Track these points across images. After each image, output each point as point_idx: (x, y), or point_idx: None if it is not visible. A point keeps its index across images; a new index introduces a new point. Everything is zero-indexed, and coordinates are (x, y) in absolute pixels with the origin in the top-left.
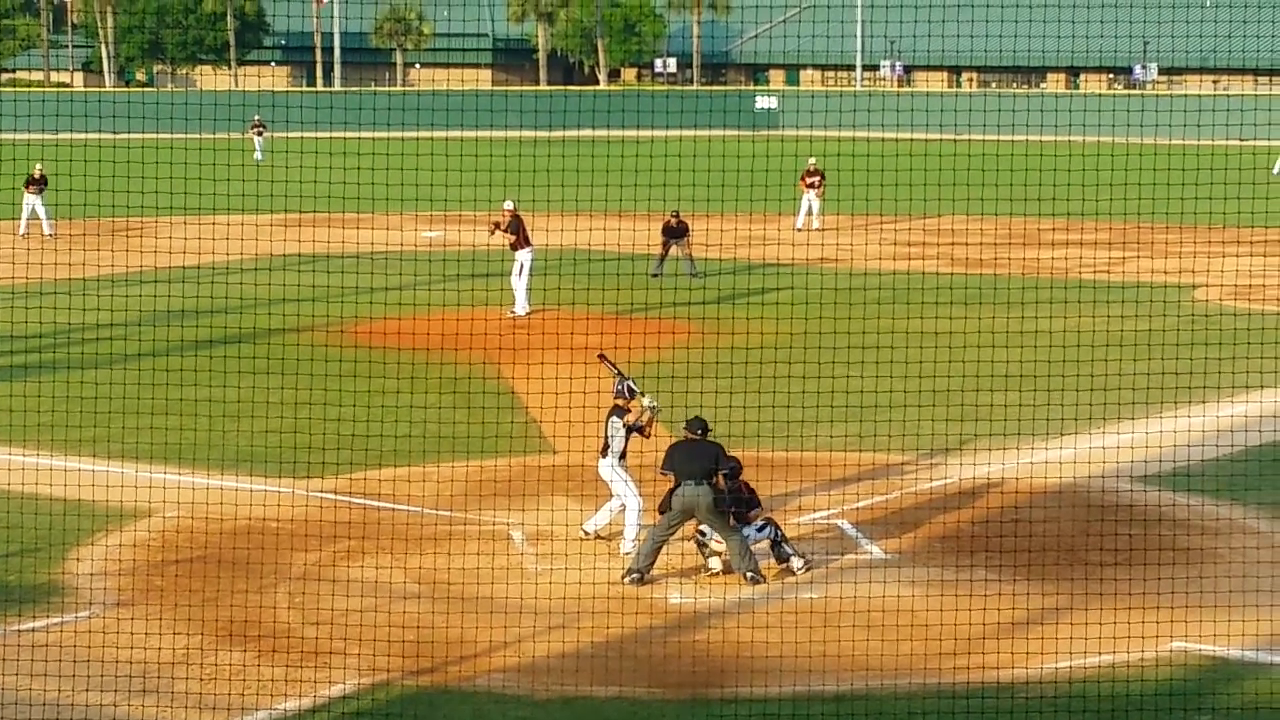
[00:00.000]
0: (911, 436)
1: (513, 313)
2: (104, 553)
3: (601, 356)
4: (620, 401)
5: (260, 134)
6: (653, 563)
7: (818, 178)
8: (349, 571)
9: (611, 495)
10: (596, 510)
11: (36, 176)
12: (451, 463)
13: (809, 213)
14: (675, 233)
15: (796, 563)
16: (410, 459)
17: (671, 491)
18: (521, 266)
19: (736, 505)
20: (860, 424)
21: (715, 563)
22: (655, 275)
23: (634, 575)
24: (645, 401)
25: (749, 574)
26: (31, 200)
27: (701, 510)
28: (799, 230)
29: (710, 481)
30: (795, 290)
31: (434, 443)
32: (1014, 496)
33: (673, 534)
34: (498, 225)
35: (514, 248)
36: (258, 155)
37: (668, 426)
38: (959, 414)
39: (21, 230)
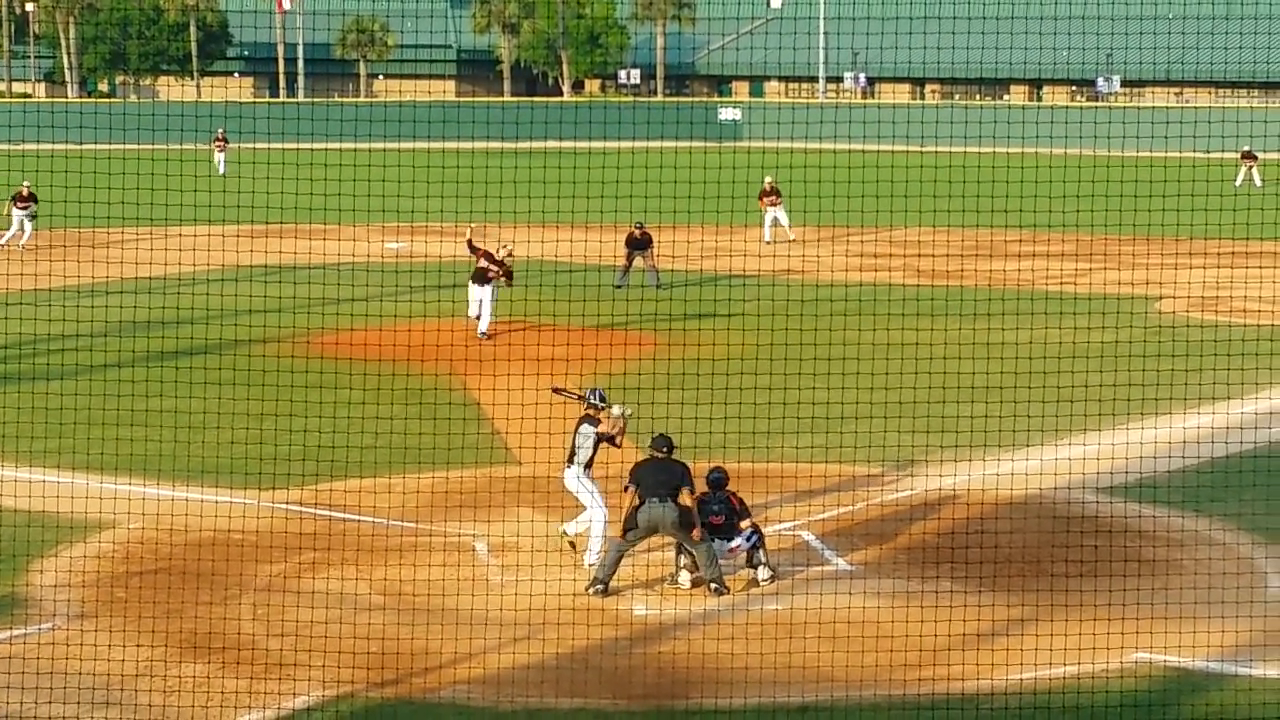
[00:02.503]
0: (876, 448)
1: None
2: (66, 564)
3: (556, 390)
4: (591, 411)
5: (222, 148)
6: (614, 573)
7: (774, 195)
8: (313, 583)
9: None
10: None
11: (24, 194)
12: (416, 474)
13: (775, 224)
14: (639, 244)
15: (762, 573)
16: (374, 470)
17: (636, 509)
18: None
19: (727, 515)
20: (825, 435)
21: (685, 578)
22: (619, 287)
23: (598, 586)
24: (616, 410)
25: (714, 585)
26: (19, 215)
27: (667, 526)
28: (767, 243)
29: (675, 499)
30: (760, 302)
31: (398, 454)
32: (978, 508)
33: (634, 546)
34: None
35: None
36: (221, 170)
37: (633, 439)
38: (924, 425)
39: (2, 240)
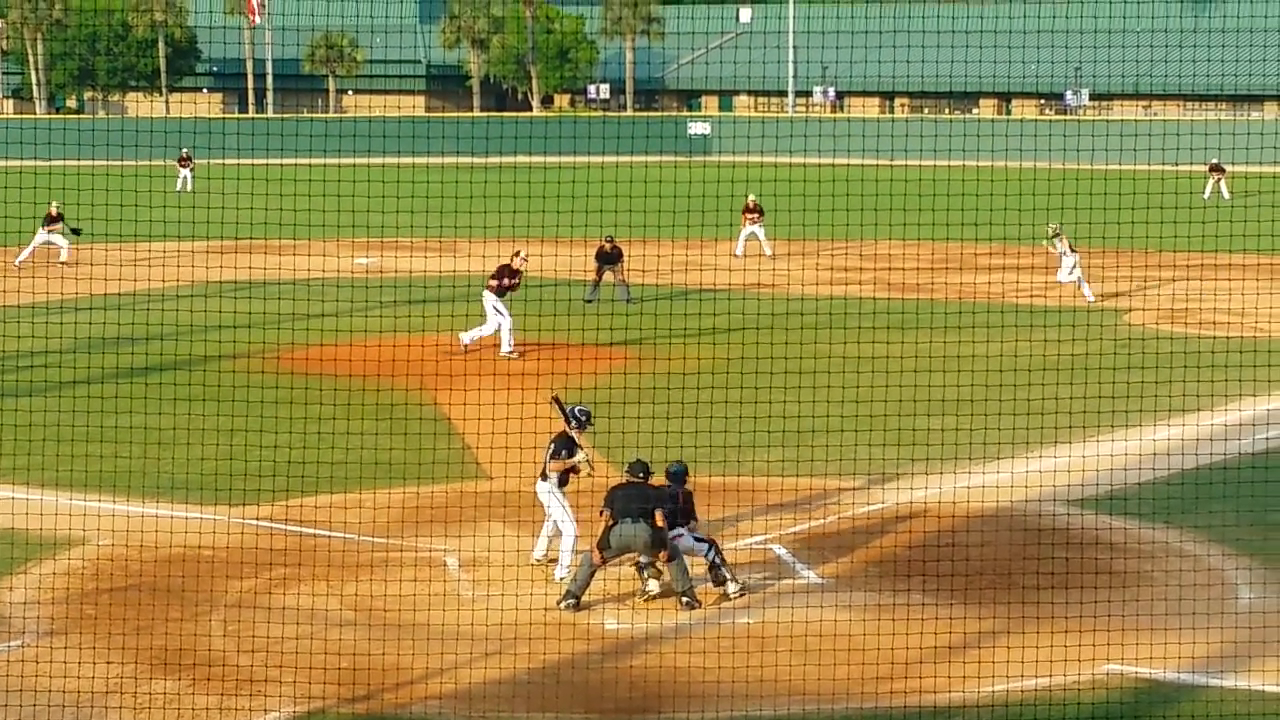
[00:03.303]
0: (847, 461)
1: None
2: (35, 581)
3: (555, 400)
4: (569, 429)
5: (187, 166)
6: (585, 588)
7: (756, 214)
8: (283, 599)
9: (546, 519)
10: (535, 538)
11: (53, 214)
12: (386, 489)
13: (750, 239)
14: (609, 258)
15: (732, 587)
16: (345, 486)
17: (609, 529)
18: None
19: (675, 514)
20: (796, 449)
21: (653, 585)
22: (590, 301)
23: (569, 601)
24: (580, 456)
25: (684, 599)
26: (45, 234)
27: (639, 546)
28: (737, 256)
29: (648, 519)
30: (730, 315)
31: (369, 469)
32: (948, 521)
33: (606, 565)
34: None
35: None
36: (186, 187)
37: (605, 454)
38: (894, 439)
39: (19, 260)
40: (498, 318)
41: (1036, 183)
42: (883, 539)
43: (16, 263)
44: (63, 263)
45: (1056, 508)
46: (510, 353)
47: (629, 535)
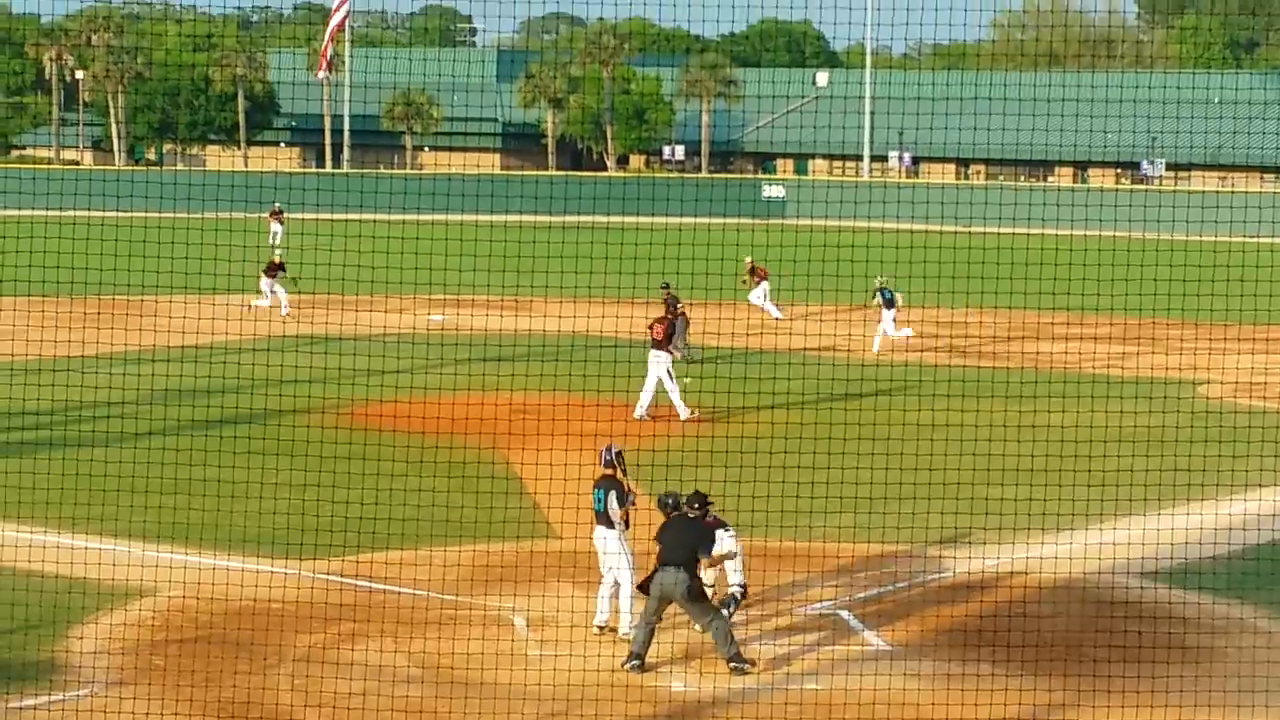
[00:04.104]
0: (918, 529)
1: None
2: (105, 631)
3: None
4: (609, 471)
5: (278, 220)
6: (647, 648)
7: (754, 276)
8: (350, 654)
9: (603, 579)
10: (591, 601)
11: (277, 263)
12: (456, 547)
13: (764, 299)
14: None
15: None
16: (414, 542)
17: (653, 573)
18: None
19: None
20: (866, 515)
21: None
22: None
23: (634, 662)
24: (632, 497)
25: (732, 664)
26: (268, 282)
27: (678, 598)
28: (779, 319)
29: (690, 568)
30: (805, 381)
31: (438, 526)
32: (1018, 590)
33: (659, 618)
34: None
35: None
36: (276, 241)
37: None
38: (965, 506)
39: (260, 303)
40: (666, 381)
41: (1111, 252)
42: (952, 607)
43: (253, 305)
44: (285, 313)
45: (1128, 580)
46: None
47: (668, 585)
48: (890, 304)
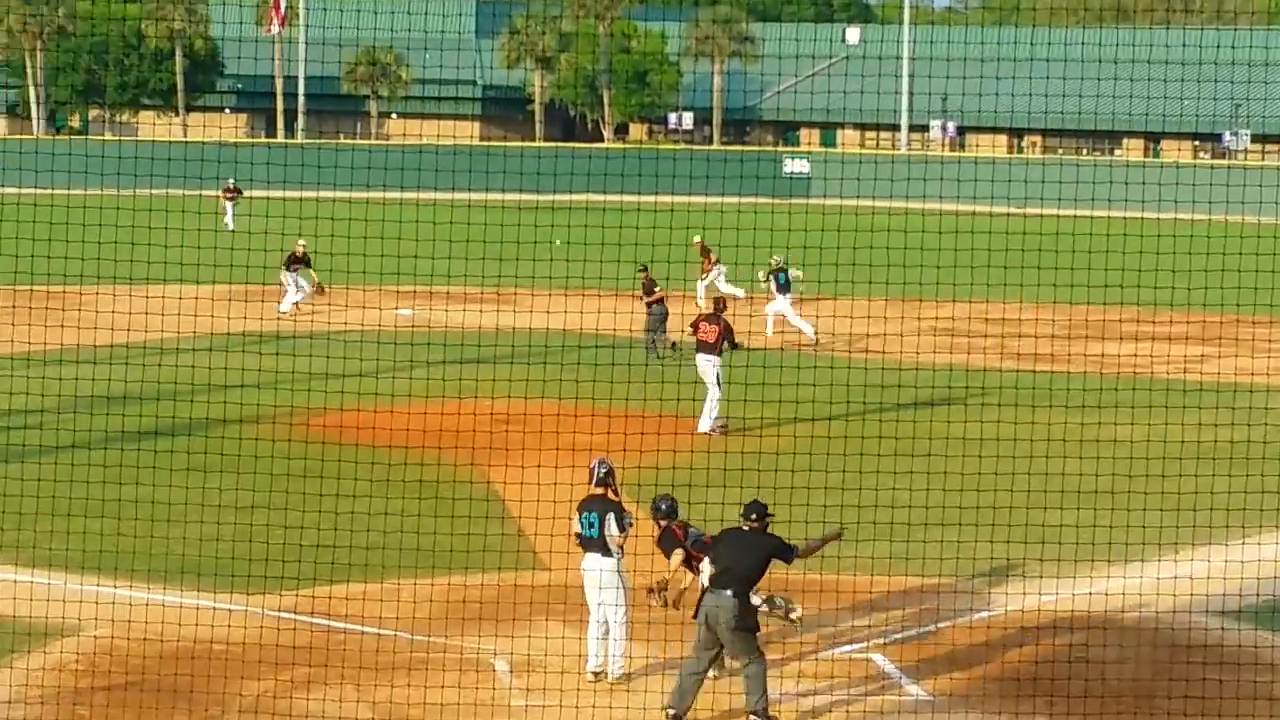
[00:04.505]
0: (964, 560)
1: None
2: (21, 677)
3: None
4: (601, 490)
5: (233, 199)
6: (692, 702)
7: (707, 258)
8: (305, 704)
9: (591, 615)
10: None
11: (299, 255)
12: (428, 579)
13: (710, 288)
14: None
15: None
16: (378, 574)
17: (703, 593)
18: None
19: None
20: (905, 544)
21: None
22: (658, 357)
23: (671, 714)
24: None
25: (754, 716)
26: (290, 276)
27: (720, 626)
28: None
29: (742, 593)
30: (834, 387)
31: (406, 555)
32: (1080, 632)
33: (712, 663)
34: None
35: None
36: (228, 222)
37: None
38: (1018, 534)
39: (291, 299)
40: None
41: (1188, 238)
42: (1003, 651)
43: (281, 310)
44: (282, 310)
45: (1207, 620)
46: (713, 429)
47: (712, 610)
48: (785, 288)
